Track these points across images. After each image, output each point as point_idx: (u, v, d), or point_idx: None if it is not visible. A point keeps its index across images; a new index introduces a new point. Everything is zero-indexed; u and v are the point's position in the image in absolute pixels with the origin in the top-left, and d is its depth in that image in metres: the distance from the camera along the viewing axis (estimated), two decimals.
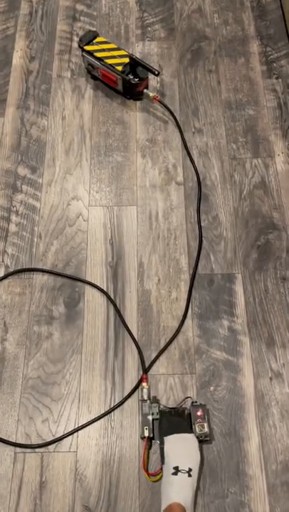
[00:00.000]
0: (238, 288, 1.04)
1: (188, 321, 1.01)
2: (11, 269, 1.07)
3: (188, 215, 1.14)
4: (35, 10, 1.47)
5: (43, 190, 1.17)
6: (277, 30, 1.41)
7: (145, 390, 0.92)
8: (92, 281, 1.05)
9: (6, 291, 1.05)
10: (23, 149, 1.23)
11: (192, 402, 0.90)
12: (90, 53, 1.25)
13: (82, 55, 1.28)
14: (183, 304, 1.03)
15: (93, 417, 0.92)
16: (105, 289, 1.04)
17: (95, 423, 0.92)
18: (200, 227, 1.12)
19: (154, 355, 0.97)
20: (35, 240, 1.11)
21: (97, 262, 1.08)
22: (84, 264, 1.08)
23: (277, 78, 1.32)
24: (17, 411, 0.93)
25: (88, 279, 1.06)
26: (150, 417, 0.90)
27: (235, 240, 1.10)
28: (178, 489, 0.81)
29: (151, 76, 1.25)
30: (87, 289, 1.05)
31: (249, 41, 1.39)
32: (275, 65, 1.34)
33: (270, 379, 0.95)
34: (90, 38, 1.27)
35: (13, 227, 1.12)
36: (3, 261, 1.08)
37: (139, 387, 0.94)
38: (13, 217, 1.14)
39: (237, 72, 1.33)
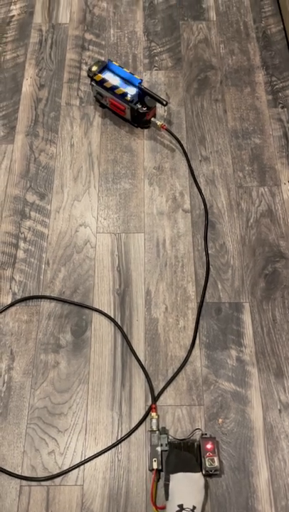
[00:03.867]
0: (246, 317, 1.04)
1: (195, 351, 1.00)
2: (19, 296, 1.07)
3: (195, 242, 1.14)
4: (44, 39, 1.50)
5: (51, 217, 1.18)
6: (282, 60, 1.43)
7: (154, 421, 0.91)
8: (100, 309, 1.05)
9: (14, 318, 1.05)
10: (31, 176, 1.24)
11: (202, 435, 0.89)
12: (99, 83, 1.27)
13: (91, 84, 1.30)
14: (190, 333, 1.02)
15: (100, 450, 0.91)
16: (113, 317, 1.04)
17: (102, 455, 0.90)
18: (207, 255, 1.12)
19: (161, 386, 0.97)
20: (43, 266, 1.11)
21: (105, 290, 1.08)
22: (91, 291, 1.08)
23: (282, 108, 1.34)
24: (23, 442, 0.92)
25: (96, 306, 1.06)
26: (159, 449, 0.88)
27: (242, 269, 1.10)
28: None
29: (158, 105, 1.27)
30: (95, 316, 1.05)
31: (255, 71, 1.41)
32: (280, 94, 1.36)
33: (279, 411, 0.94)
34: (99, 67, 1.29)
35: (21, 254, 1.13)
36: (10, 288, 1.08)
37: (148, 417, 0.93)
38: (21, 244, 1.14)
39: (243, 102, 1.35)
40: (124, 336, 1.02)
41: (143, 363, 0.99)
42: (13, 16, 1.56)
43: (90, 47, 1.48)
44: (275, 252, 1.12)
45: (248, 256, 1.12)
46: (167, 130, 1.27)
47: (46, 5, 1.58)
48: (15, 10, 1.57)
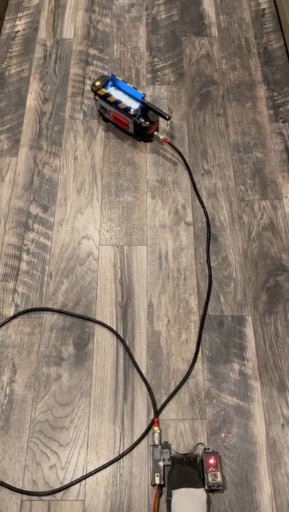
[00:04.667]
0: (249, 331, 1.04)
1: (198, 364, 1.00)
2: (21, 308, 1.07)
3: (197, 255, 1.14)
4: (49, 54, 1.52)
5: (55, 229, 1.19)
6: (283, 75, 1.45)
7: (156, 435, 0.91)
8: (102, 321, 1.05)
9: (16, 330, 1.05)
10: (35, 188, 1.25)
11: (204, 449, 0.88)
12: (103, 97, 1.29)
13: (95, 99, 1.32)
14: (193, 346, 1.02)
15: (102, 464, 0.90)
16: (115, 329, 1.04)
17: (104, 470, 0.90)
18: (209, 267, 1.12)
19: (163, 399, 0.96)
20: (46, 278, 1.11)
21: (107, 302, 1.08)
22: (94, 303, 1.08)
23: (283, 122, 1.35)
24: (24, 456, 0.91)
25: (98, 319, 1.06)
26: (161, 463, 0.88)
27: (244, 282, 1.10)
28: None
29: (161, 119, 1.29)
30: (97, 329, 1.05)
31: (256, 86, 1.43)
32: (281, 109, 1.38)
33: (282, 426, 0.93)
34: (103, 82, 1.31)
35: (24, 266, 1.13)
36: (13, 300, 1.08)
37: (150, 431, 0.93)
38: (24, 256, 1.15)
39: (245, 116, 1.37)
40: (127, 349, 1.02)
41: (145, 376, 0.99)
42: (18, 31, 1.58)
43: (94, 62, 1.50)
44: (277, 266, 1.12)
45: (250, 269, 1.12)
46: (170, 144, 1.28)
47: (51, 21, 1.60)
48: (20, 25, 1.60)
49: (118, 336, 1.03)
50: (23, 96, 1.42)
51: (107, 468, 0.90)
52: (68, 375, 0.99)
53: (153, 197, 1.23)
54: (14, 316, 1.06)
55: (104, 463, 0.90)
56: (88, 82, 1.45)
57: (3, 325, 1.05)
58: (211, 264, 1.13)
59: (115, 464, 0.90)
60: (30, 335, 1.04)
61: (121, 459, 0.91)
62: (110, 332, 1.04)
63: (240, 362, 1.00)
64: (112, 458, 0.91)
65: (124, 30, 1.57)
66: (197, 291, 1.09)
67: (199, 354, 1.01)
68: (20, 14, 1.63)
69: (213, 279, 1.11)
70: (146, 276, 1.12)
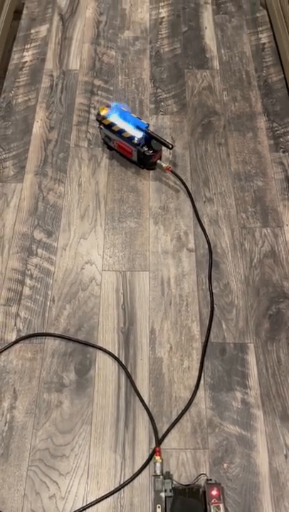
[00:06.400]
0: (251, 358, 1.03)
1: (200, 392, 0.99)
2: (23, 333, 1.07)
3: (199, 281, 1.15)
4: (55, 84, 1.57)
5: (58, 254, 1.20)
6: (283, 107, 1.49)
7: (158, 464, 0.89)
8: (104, 347, 1.05)
9: (17, 356, 1.04)
10: (39, 214, 1.27)
11: (207, 480, 0.87)
12: (107, 126, 1.32)
13: (100, 128, 1.35)
14: (195, 373, 1.02)
15: (102, 494, 0.88)
16: (117, 356, 1.04)
17: (104, 501, 0.88)
18: (211, 294, 1.13)
19: (165, 428, 0.95)
20: (48, 303, 1.12)
21: (109, 328, 1.08)
22: (96, 329, 1.08)
23: (284, 152, 1.39)
24: (23, 485, 0.90)
25: (100, 345, 1.06)
26: (163, 495, 0.86)
27: (246, 309, 1.11)
28: None
29: (164, 148, 1.32)
30: (99, 355, 1.04)
31: (256, 117, 1.47)
32: (281, 139, 1.41)
33: (285, 456, 0.92)
34: (107, 112, 1.35)
35: (26, 291, 1.14)
36: (15, 324, 1.09)
37: (152, 461, 0.91)
38: (28, 281, 1.15)
39: (245, 146, 1.40)
40: (128, 376, 1.01)
41: (147, 403, 0.98)
42: (26, 61, 1.64)
43: (99, 92, 1.54)
44: (279, 293, 1.13)
45: (252, 296, 1.13)
46: (172, 172, 1.31)
47: (58, 52, 1.66)
48: (27, 56, 1.65)
49: (120, 363, 1.03)
50: (30, 124, 1.46)
51: (108, 499, 0.88)
52: (69, 402, 0.98)
53: (156, 223, 1.25)
54: (16, 341, 1.06)
55: (105, 493, 0.88)
56: (93, 111, 1.48)
57: (4, 350, 1.05)
58: (213, 291, 1.13)
59: (116, 494, 0.89)
60: (32, 360, 1.04)
61: (122, 490, 0.89)
62: (112, 358, 1.04)
63: (242, 390, 0.99)
64: (112, 488, 0.89)
65: (129, 63, 1.63)
66: (199, 318, 1.10)
67: (201, 382, 1.01)
68: (28, 46, 1.68)
69: (215, 306, 1.11)
70: (148, 302, 1.12)
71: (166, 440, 0.94)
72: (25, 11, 1.79)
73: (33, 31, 1.72)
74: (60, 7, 1.80)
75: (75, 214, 1.27)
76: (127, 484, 0.89)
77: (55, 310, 1.11)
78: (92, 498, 0.88)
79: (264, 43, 1.68)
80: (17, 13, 1.77)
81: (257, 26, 1.73)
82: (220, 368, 1.02)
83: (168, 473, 0.89)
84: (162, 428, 0.95)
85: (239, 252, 1.20)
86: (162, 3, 1.81)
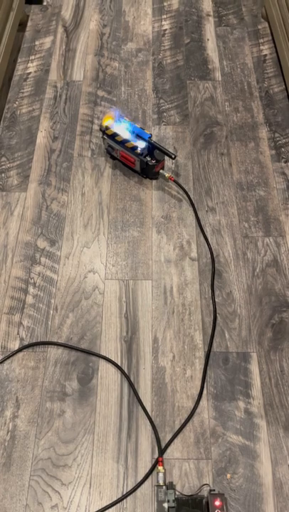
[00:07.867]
0: (254, 368, 1.03)
1: (203, 402, 0.99)
2: (26, 342, 1.07)
3: (202, 290, 1.15)
4: (59, 94, 1.59)
5: (61, 263, 1.20)
6: (284, 117, 1.51)
7: (161, 475, 0.89)
8: (107, 356, 1.05)
9: (20, 364, 1.04)
10: (43, 223, 1.27)
11: (210, 491, 0.86)
12: (111, 136, 1.34)
13: (103, 138, 1.36)
14: (198, 383, 1.02)
15: (105, 505, 0.88)
16: (120, 365, 1.04)
17: (106, 511, 0.87)
18: (214, 303, 1.13)
19: (168, 437, 0.95)
20: (51, 312, 1.12)
21: (112, 337, 1.08)
22: (99, 338, 1.08)
23: (285, 162, 1.40)
24: (25, 495, 0.89)
25: (103, 353, 1.06)
26: (166, 505, 0.86)
27: (249, 318, 1.11)
28: None
29: (167, 158, 1.33)
30: (101, 364, 1.04)
31: (258, 127, 1.48)
32: (283, 149, 1.43)
33: None
34: (111, 122, 1.36)
35: (30, 299, 1.14)
36: (18, 333, 1.09)
37: (155, 471, 0.91)
38: (31, 289, 1.16)
39: (247, 156, 1.41)
40: (131, 385, 1.01)
41: (150, 413, 0.98)
42: (30, 72, 1.66)
43: (102, 102, 1.56)
44: (282, 302, 1.13)
45: (255, 305, 1.13)
46: (175, 181, 1.32)
47: (61, 63, 1.68)
48: (32, 67, 1.67)
49: (123, 372, 1.03)
50: (34, 134, 1.47)
51: (110, 510, 0.88)
52: (72, 411, 0.98)
53: (158, 232, 1.26)
54: (19, 350, 1.06)
55: (107, 503, 0.88)
56: (96, 121, 1.50)
57: (7, 358, 1.05)
58: (216, 300, 1.14)
59: (118, 504, 0.88)
60: (35, 369, 1.04)
61: (124, 500, 0.88)
62: (115, 367, 1.04)
63: (245, 400, 0.99)
64: (115, 498, 0.89)
65: (132, 74, 1.65)
66: (202, 327, 1.10)
67: (204, 391, 1.00)
68: (33, 57, 1.71)
69: (218, 315, 1.11)
70: (151, 310, 1.12)
71: (169, 450, 0.94)
72: (29, 23, 1.82)
73: (37, 43, 1.75)
74: (64, 19, 1.83)
75: (78, 223, 1.28)
76: (129, 494, 0.89)
77: (58, 319, 1.11)
78: (94, 509, 0.88)
79: (265, 55, 1.70)
80: (22, 25, 1.79)
81: (258, 38, 1.75)
82: (223, 378, 1.02)
83: (171, 483, 0.89)
84: (165, 438, 0.95)
85: (242, 261, 1.20)
86: (165, 16, 1.84)
